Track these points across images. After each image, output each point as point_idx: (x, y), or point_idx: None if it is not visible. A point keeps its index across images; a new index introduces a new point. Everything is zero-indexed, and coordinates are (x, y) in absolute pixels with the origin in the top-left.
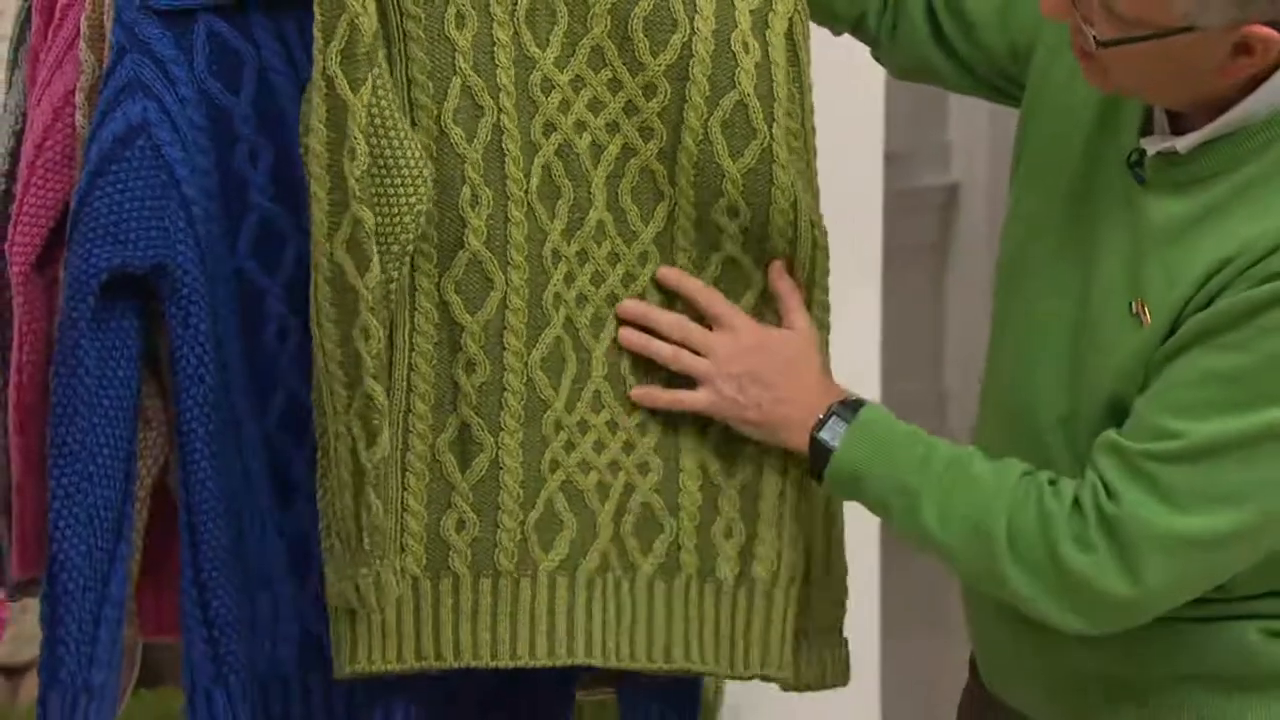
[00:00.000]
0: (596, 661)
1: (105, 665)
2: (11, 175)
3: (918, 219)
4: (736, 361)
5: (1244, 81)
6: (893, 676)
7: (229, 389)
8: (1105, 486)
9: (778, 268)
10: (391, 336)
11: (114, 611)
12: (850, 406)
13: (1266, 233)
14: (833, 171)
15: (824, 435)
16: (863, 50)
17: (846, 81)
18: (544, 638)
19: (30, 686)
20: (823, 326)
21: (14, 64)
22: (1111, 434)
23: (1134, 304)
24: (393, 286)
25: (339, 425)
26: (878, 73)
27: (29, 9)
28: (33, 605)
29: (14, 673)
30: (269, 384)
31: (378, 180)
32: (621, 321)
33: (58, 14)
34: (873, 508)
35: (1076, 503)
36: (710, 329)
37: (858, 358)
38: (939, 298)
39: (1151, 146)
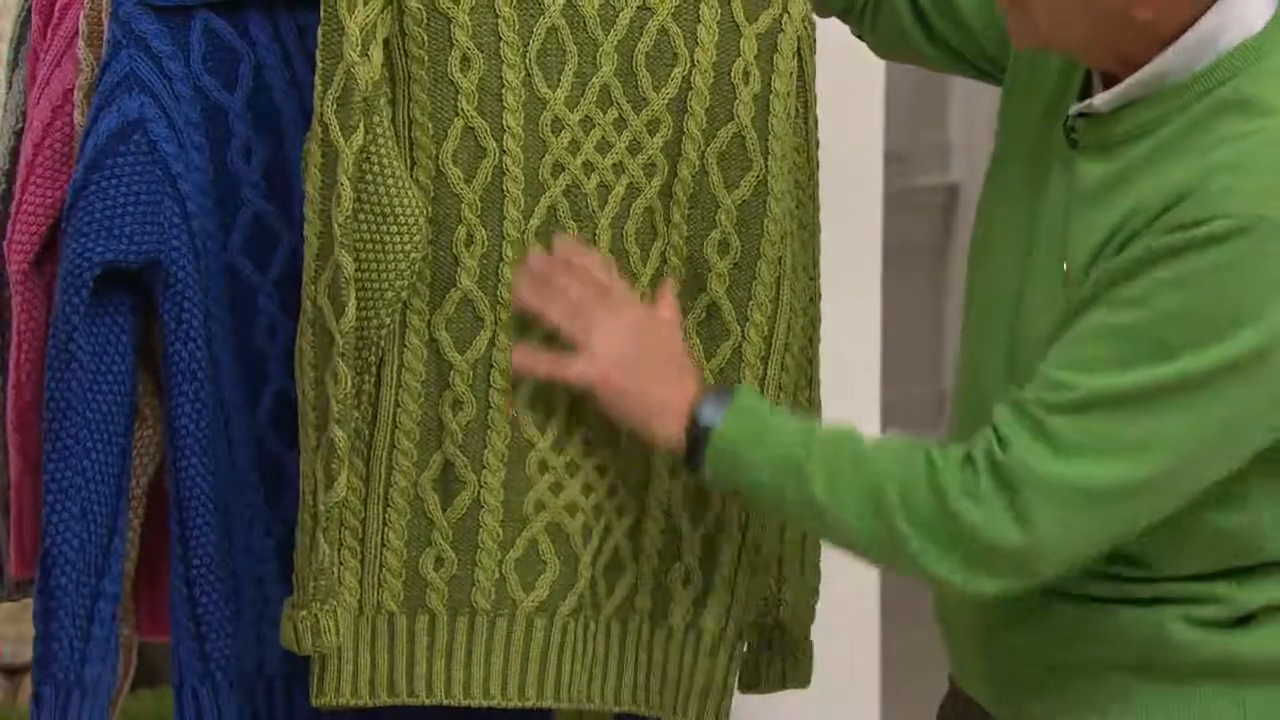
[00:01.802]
0: (562, 704)
1: (99, 661)
2: (11, 174)
3: (918, 219)
4: (622, 342)
5: (1165, 34)
6: (893, 676)
7: (220, 386)
8: (998, 436)
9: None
10: (380, 373)
11: (108, 607)
12: (725, 391)
13: (1175, 184)
14: (833, 171)
15: (702, 417)
16: (863, 51)
17: (846, 82)
18: (516, 678)
19: (30, 686)
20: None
21: (14, 64)
22: (1013, 389)
23: (1064, 266)
24: (384, 332)
25: (307, 467)
26: (878, 74)
27: (29, 8)
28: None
29: (15, 673)
30: (259, 381)
31: (370, 227)
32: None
33: (56, 13)
34: (755, 488)
35: (968, 459)
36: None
37: (857, 358)
38: (939, 298)
39: (1076, 107)
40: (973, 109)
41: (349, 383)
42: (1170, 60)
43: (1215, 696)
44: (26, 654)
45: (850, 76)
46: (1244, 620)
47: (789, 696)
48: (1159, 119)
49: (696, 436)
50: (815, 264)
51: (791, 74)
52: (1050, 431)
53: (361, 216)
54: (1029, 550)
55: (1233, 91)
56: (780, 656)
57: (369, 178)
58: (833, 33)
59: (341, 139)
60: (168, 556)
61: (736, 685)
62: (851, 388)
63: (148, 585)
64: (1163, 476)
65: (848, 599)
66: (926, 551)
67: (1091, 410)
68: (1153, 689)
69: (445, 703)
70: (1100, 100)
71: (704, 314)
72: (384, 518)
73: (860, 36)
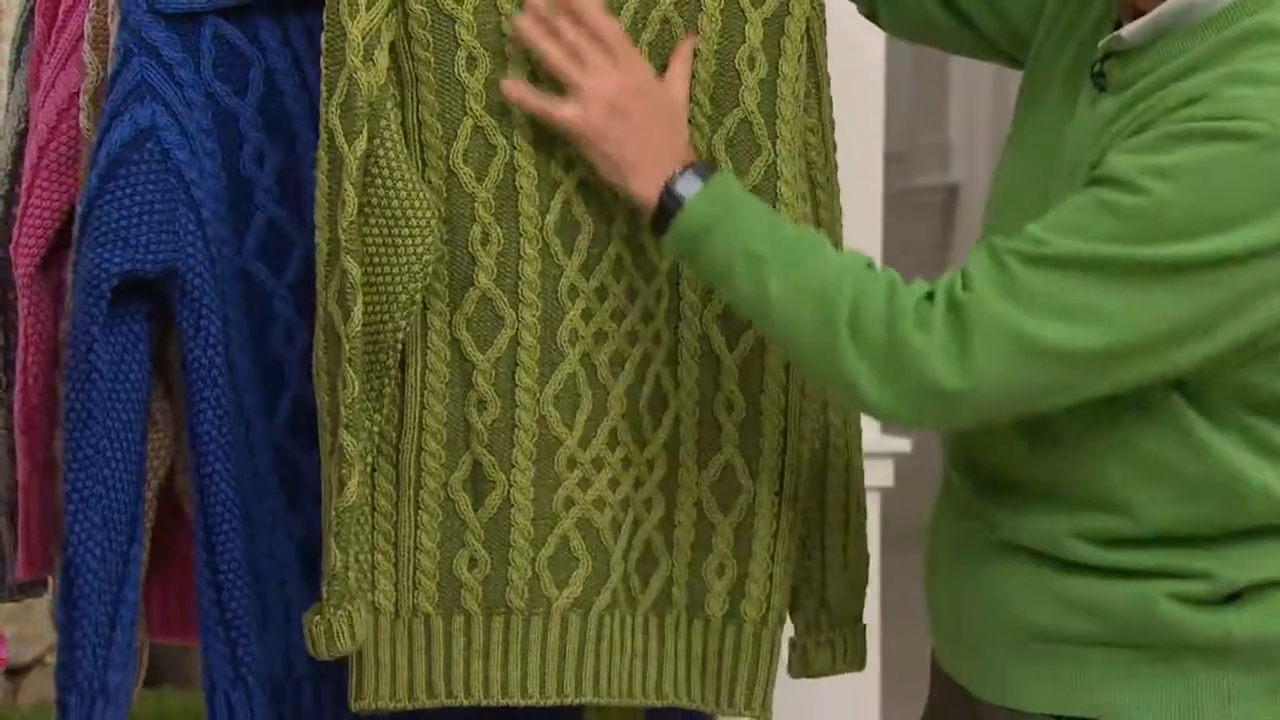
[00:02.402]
0: (602, 699)
1: (121, 667)
2: (15, 177)
3: (918, 219)
4: (616, 92)
5: None
6: (893, 676)
7: (238, 391)
8: (964, 275)
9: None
10: (404, 376)
11: (128, 613)
12: (707, 167)
13: (1192, 88)
14: None
15: (678, 187)
16: (863, 51)
17: (847, 82)
18: (554, 676)
19: (31, 687)
20: None
21: (16, 65)
22: (994, 238)
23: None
24: (400, 335)
25: (325, 471)
26: (878, 73)
27: (31, 9)
28: (36, 606)
29: (16, 673)
30: (277, 386)
31: (381, 230)
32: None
33: (60, 15)
34: (712, 271)
35: (930, 294)
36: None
37: None
38: None
39: (1105, 41)
40: (973, 109)
41: (356, 387)
42: None
43: (1200, 677)
44: (29, 654)
45: (850, 77)
46: (1232, 598)
47: (789, 696)
48: (1185, 51)
49: (668, 205)
50: (837, 245)
51: (800, 57)
52: (1015, 280)
53: (372, 220)
54: (963, 394)
55: (1261, 22)
56: (830, 641)
57: (377, 182)
58: (833, 32)
59: (345, 145)
60: (175, 559)
61: (788, 672)
62: None
63: (157, 589)
64: (1109, 355)
65: None
66: (861, 371)
67: (1058, 269)
68: (1137, 666)
69: (484, 703)
70: (1129, 30)
71: (720, 306)
72: (416, 520)
73: (870, 16)
